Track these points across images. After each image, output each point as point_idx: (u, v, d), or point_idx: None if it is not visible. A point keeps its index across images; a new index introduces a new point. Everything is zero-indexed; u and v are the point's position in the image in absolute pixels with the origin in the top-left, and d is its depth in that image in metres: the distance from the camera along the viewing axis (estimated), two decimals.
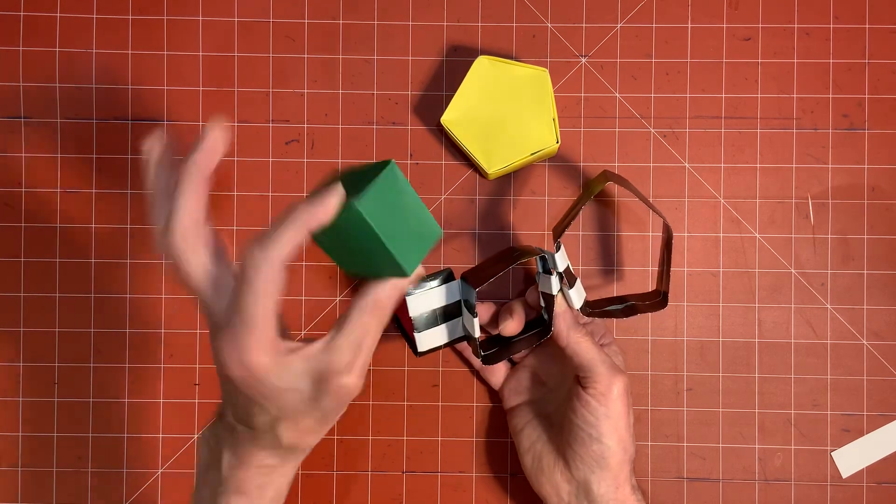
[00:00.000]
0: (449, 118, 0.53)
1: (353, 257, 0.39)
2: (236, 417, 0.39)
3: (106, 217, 0.56)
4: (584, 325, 0.52)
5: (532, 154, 0.53)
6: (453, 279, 0.51)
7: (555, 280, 0.49)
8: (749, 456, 0.56)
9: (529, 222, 0.56)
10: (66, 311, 0.56)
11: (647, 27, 0.56)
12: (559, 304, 0.49)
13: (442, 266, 0.56)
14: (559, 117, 0.56)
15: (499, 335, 0.52)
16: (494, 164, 0.53)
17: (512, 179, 0.56)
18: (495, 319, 0.52)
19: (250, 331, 0.35)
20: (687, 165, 0.56)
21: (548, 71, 0.53)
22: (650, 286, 0.56)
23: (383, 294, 0.38)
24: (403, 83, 0.56)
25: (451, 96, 0.53)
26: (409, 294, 0.50)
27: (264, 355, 0.36)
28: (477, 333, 0.49)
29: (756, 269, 0.56)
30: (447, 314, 0.51)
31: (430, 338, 0.51)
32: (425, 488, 0.56)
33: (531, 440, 0.51)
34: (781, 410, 0.56)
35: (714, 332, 0.56)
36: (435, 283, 0.51)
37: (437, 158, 0.56)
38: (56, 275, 0.56)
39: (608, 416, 0.47)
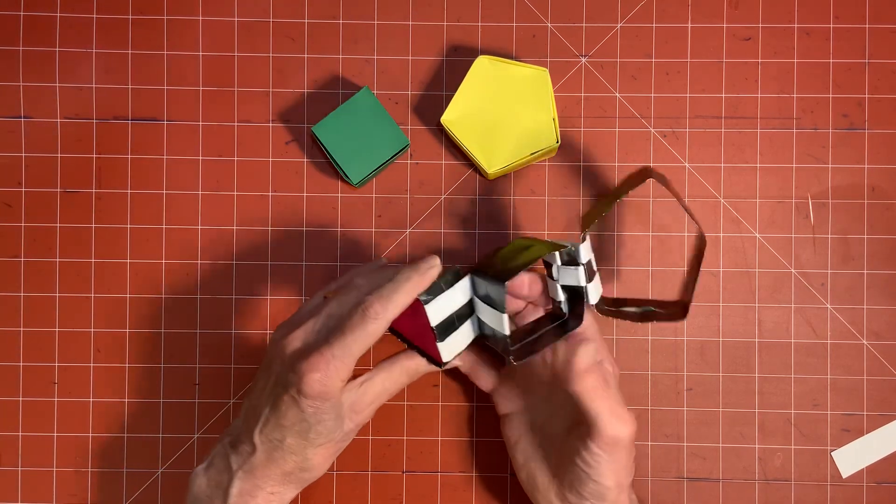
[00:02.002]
0: (449, 118, 0.53)
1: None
2: (267, 438, 0.46)
3: (106, 217, 0.56)
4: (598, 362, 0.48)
5: (532, 154, 0.53)
6: (462, 276, 0.47)
7: (581, 272, 0.46)
8: (749, 456, 0.56)
9: (529, 222, 0.56)
10: (66, 311, 0.56)
11: (647, 27, 0.56)
12: (587, 354, 0.46)
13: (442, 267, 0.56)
14: (559, 117, 0.56)
15: (520, 331, 0.48)
16: (494, 164, 0.53)
17: (512, 179, 0.56)
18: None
19: (342, 362, 0.44)
20: (687, 165, 0.56)
21: (548, 71, 0.53)
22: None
23: (392, 377, 0.48)
24: (403, 83, 0.56)
25: (451, 96, 0.53)
26: (426, 302, 0.45)
27: (340, 382, 0.45)
28: (506, 331, 0.45)
29: (756, 269, 0.56)
30: (461, 316, 0.47)
31: (453, 344, 0.47)
32: (425, 488, 0.56)
33: (525, 457, 0.50)
34: (781, 410, 0.56)
35: (714, 332, 0.56)
36: (450, 284, 0.46)
37: (437, 158, 0.56)
38: (56, 275, 0.56)
39: (610, 462, 0.45)
